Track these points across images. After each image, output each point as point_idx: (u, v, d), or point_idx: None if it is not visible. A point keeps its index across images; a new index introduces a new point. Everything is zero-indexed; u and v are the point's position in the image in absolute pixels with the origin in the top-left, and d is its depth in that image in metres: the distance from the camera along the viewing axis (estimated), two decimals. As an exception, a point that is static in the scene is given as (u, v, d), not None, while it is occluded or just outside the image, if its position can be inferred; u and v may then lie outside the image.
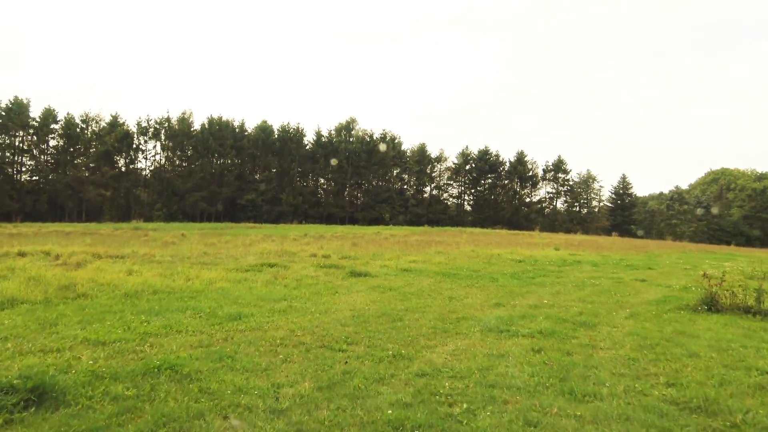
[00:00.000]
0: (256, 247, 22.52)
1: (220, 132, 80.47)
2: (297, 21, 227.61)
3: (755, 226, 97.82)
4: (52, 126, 73.31)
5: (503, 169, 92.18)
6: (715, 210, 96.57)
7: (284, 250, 20.41)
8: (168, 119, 79.14)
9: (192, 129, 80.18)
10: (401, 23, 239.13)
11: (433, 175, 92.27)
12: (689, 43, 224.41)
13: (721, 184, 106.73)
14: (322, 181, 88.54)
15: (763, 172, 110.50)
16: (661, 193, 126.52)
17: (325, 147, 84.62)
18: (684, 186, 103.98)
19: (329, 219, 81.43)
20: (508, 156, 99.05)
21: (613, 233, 78.77)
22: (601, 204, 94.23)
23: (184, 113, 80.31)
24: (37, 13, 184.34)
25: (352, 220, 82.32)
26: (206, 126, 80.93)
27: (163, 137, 79.34)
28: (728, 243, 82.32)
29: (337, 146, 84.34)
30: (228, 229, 44.77)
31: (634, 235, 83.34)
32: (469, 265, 18.28)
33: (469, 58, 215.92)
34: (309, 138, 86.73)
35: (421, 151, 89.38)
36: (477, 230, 58.67)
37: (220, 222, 65.63)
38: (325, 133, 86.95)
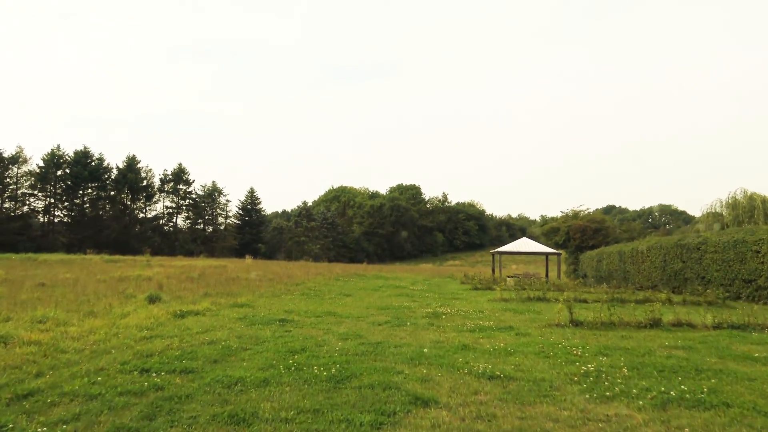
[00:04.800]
0: None
1: None
2: None
3: (373, 242, 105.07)
4: None
5: (109, 176, 74.10)
6: (339, 227, 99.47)
7: None
8: None
9: None
10: None
11: (7, 181, 67.44)
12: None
13: (343, 201, 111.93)
14: None
15: (375, 190, 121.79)
16: (284, 211, 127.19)
17: None
18: (308, 203, 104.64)
19: None
20: (115, 161, 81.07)
21: (248, 256, 69.35)
22: (228, 221, 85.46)
23: None
24: None
25: None
26: None
27: None
28: (352, 260, 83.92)
29: None
30: None
31: (265, 256, 77.04)
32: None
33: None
34: None
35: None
36: (63, 257, 40.59)
37: None
38: None
